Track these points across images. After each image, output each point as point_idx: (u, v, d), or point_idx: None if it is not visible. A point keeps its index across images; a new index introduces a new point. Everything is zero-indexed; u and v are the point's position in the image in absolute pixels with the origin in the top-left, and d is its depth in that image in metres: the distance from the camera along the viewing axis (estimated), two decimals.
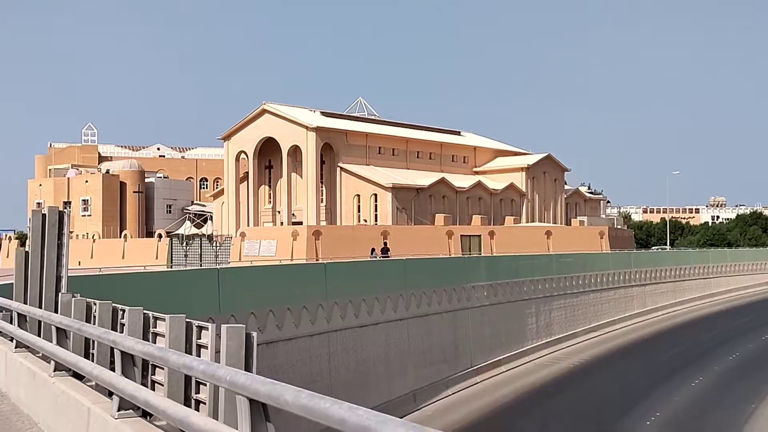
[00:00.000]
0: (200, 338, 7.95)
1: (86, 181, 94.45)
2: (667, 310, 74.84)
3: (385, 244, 58.67)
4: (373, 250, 56.76)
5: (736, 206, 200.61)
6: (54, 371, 8.88)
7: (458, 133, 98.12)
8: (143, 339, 8.67)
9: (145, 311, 9.10)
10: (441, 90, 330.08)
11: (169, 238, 77.20)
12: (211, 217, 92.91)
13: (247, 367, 6.82)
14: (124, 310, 9.52)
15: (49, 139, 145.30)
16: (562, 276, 58.79)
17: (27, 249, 14.70)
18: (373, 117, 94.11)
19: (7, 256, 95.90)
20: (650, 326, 67.67)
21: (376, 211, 75.88)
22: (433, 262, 49.49)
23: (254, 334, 7.00)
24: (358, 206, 77.23)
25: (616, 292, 66.96)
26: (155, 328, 8.87)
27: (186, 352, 7.86)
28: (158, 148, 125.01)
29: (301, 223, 74.34)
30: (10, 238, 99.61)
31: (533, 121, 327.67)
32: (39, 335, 11.47)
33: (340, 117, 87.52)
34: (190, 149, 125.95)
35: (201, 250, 73.39)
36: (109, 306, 9.75)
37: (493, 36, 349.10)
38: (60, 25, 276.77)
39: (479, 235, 72.66)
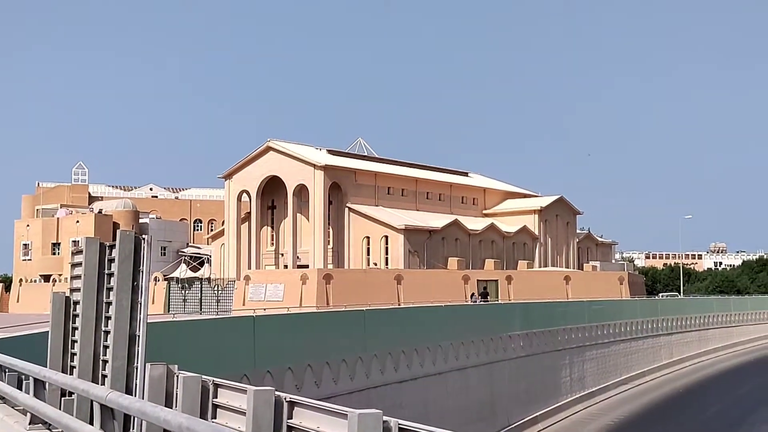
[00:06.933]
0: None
1: (77, 222, 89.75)
2: (693, 360, 71.02)
3: (485, 288, 53.92)
4: (473, 294, 52.34)
5: (737, 252, 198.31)
6: None
7: (466, 174, 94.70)
8: None
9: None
10: (440, 131, 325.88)
11: (166, 282, 72.62)
12: (209, 259, 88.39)
13: None
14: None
15: (36, 178, 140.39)
16: (594, 324, 54.93)
17: (66, 293, 10.64)
18: (376, 157, 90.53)
19: None
20: (681, 378, 63.80)
21: (386, 253, 71.85)
22: (470, 309, 45.50)
23: None
24: (368, 249, 73.18)
25: (645, 341, 63.08)
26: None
27: None
28: (151, 188, 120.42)
29: (306, 266, 70.15)
30: None
31: (525, 162, 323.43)
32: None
33: (347, 156, 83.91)
34: (183, 190, 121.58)
35: (201, 294, 68.87)
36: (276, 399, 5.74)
37: (480, 78, 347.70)
38: (49, 61, 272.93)
39: (496, 280, 68.67)
